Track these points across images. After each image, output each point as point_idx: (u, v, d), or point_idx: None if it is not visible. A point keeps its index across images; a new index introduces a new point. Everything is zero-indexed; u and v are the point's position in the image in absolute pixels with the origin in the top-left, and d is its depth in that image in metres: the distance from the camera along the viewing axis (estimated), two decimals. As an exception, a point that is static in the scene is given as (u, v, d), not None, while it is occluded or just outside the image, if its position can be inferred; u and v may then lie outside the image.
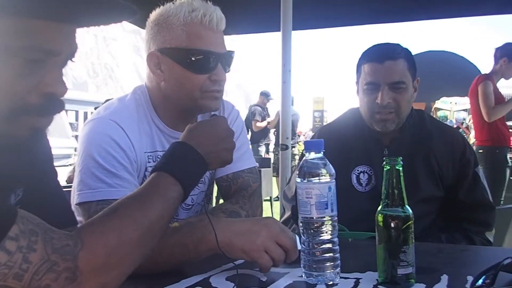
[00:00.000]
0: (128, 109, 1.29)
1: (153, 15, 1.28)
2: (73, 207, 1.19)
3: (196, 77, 1.23)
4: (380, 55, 1.57)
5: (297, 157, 7.82)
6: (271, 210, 6.50)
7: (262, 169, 6.01)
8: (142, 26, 1.35)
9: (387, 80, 1.55)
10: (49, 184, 0.95)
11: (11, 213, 0.65)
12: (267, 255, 0.98)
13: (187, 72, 1.23)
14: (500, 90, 3.93)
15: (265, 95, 8.48)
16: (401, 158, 0.94)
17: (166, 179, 0.88)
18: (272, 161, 7.23)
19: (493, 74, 3.85)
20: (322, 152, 0.98)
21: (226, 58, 1.27)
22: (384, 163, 0.94)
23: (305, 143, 0.99)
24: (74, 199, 1.19)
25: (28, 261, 0.63)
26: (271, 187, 6.64)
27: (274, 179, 7.13)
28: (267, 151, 8.97)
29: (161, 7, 1.27)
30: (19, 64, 0.68)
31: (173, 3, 1.26)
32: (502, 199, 3.81)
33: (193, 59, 1.22)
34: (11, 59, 0.67)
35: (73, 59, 0.75)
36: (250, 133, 8.52)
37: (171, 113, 1.32)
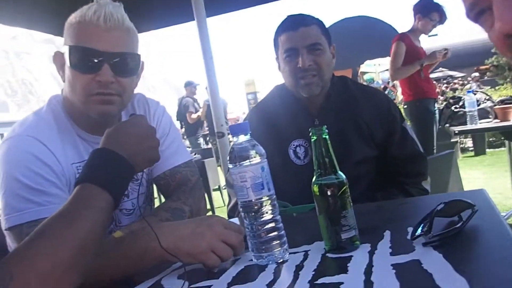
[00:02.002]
0: (46, 122, 1.23)
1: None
2: (5, 233, 1.13)
3: (81, 77, 1.16)
4: (294, 23, 1.63)
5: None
6: (222, 198, 6.49)
7: (205, 160, 5.98)
8: (56, 32, 1.30)
9: (304, 43, 1.60)
10: None
11: None
12: (214, 255, 0.97)
13: (73, 71, 1.17)
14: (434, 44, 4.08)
15: (190, 85, 8.39)
16: (325, 126, 0.95)
17: (91, 190, 0.84)
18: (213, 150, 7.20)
19: (412, 32, 3.98)
20: (249, 134, 0.97)
21: (119, 60, 1.17)
22: (310, 134, 0.95)
23: (231, 127, 0.98)
24: (2, 225, 1.12)
25: None
26: (218, 176, 6.62)
27: (220, 168, 7.12)
28: (206, 142, 8.92)
29: None
30: None
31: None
32: (435, 147, 4.01)
33: (77, 56, 1.15)
34: None
35: None
36: (184, 126, 8.43)
37: (87, 119, 1.25)
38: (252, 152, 0.95)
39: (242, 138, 0.97)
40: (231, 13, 3.63)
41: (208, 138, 8.46)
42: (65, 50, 1.18)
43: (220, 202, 6.39)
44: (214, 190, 6.32)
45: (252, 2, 3.36)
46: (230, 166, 0.97)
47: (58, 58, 1.21)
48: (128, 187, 0.95)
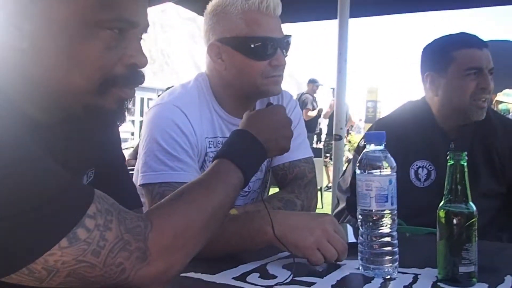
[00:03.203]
0: (191, 96, 1.33)
1: (210, 6, 1.30)
2: (137, 188, 1.25)
3: (257, 63, 1.25)
4: (478, 42, 1.56)
5: (346, 148, 7.72)
6: (321, 200, 6.47)
7: (314, 159, 5.97)
8: (199, 12, 1.39)
9: (488, 65, 1.54)
10: (118, 167, 1.00)
11: (89, 192, 0.68)
12: (319, 253, 0.99)
13: (247, 59, 1.25)
14: None
15: (313, 82, 8.40)
16: (466, 153, 0.91)
17: (228, 166, 0.90)
18: (323, 151, 7.18)
19: None
20: (383, 145, 0.97)
21: (284, 43, 1.28)
22: (448, 157, 0.92)
23: (366, 135, 0.98)
24: (138, 180, 1.24)
25: (104, 238, 0.67)
26: (322, 177, 6.60)
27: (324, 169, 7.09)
28: (318, 141, 8.91)
29: None
30: (106, 37, 0.71)
31: None
32: None
33: (252, 46, 1.24)
34: (100, 32, 0.71)
35: (145, 33, 0.78)
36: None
37: (231, 100, 1.35)
38: (384, 163, 0.94)
39: (375, 147, 0.97)
40: (369, 18, 3.58)
41: (325, 139, 8.42)
42: (230, 40, 1.26)
43: (318, 204, 6.37)
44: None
45: (397, 9, 3.27)
46: (358, 171, 0.97)
47: (215, 48, 1.30)
48: (258, 170, 1.00)
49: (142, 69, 0.78)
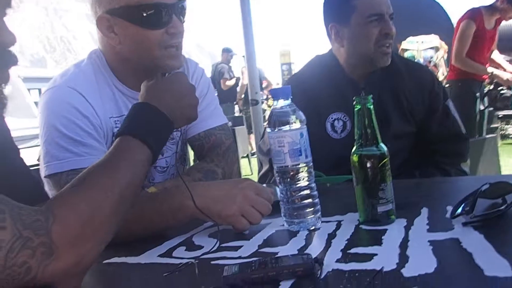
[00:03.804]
0: (86, 74, 1.23)
1: None
2: (43, 180, 1.16)
3: (152, 33, 1.16)
4: None
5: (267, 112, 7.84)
6: (250, 166, 6.54)
7: (236, 127, 6.01)
8: None
9: (388, 10, 1.55)
10: (11, 162, 0.91)
11: None
12: (243, 219, 0.98)
13: (142, 29, 1.15)
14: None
15: (227, 52, 8.36)
16: (371, 96, 0.92)
17: (131, 142, 0.84)
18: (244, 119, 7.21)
19: (490, 10, 3.65)
20: (290, 99, 0.95)
21: (179, 8, 1.19)
22: (355, 102, 0.92)
23: (271, 91, 0.96)
24: (42, 172, 1.15)
25: None
26: (247, 144, 6.65)
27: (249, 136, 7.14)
28: (240, 110, 8.93)
29: None
30: None
31: None
32: (483, 130, 3.88)
33: (145, 15, 1.14)
34: None
35: (9, 8, 0.70)
36: (217, 92, 8.44)
37: (131, 75, 1.26)
38: (292, 117, 0.93)
39: (283, 102, 0.95)
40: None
41: (241, 106, 8.47)
42: (121, 10, 1.15)
43: (247, 170, 6.43)
44: (243, 157, 6.36)
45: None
46: (269, 130, 0.95)
47: (104, 21, 1.19)
48: (166, 143, 0.95)
49: (11, 48, 0.69)
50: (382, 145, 0.92)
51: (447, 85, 4.00)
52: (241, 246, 0.90)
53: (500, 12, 3.62)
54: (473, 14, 3.65)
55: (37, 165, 1.29)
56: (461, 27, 3.70)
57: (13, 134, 0.94)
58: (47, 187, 1.17)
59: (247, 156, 6.59)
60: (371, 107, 0.92)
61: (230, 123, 6.45)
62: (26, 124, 7.32)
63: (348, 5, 1.58)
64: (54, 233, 0.66)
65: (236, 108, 8.72)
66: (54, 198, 0.74)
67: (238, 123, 6.66)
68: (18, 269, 0.63)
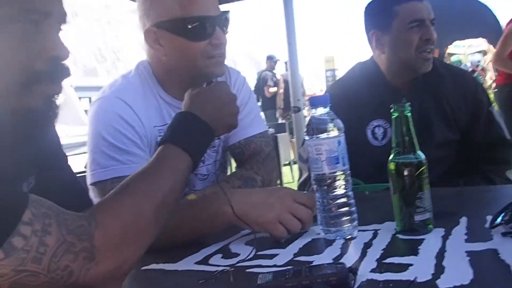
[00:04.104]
0: (133, 85, 1.29)
1: None
2: (89, 187, 1.21)
3: (196, 44, 1.21)
4: None
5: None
6: (291, 174, 6.52)
7: (278, 134, 6.01)
8: None
9: (429, 16, 1.55)
10: (60, 169, 0.96)
11: (23, 198, 0.65)
12: (281, 227, 0.99)
13: (186, 41, 1.20)
14: None
15: (270, 59, 8.43)
16: (409, 103, 0.92)
17: (173, 151, 0.87)
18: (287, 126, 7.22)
19: None
20: (328, 107, 0.96)
21: (222, 20, 1.23)
22: (392, 110, 0.92)
23: (310, 99, 0.97)
24: (88, 180, 1.20)
25: (44, 244, 0.64)
26: (289, 151, 6.63)
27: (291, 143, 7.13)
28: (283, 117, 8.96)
29: None
30: (19, 30, 0.67)
31: None
32: None
33: (190, 27, 1.19)
34: (12, 26, 0.67)
35: (64, 24, 0.75)
36: (261, 99, 8.49)
37: (176, 85, 1.31)
38: (330, 125, 0.94)
39: (321, 110, 0.96)
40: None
41: (282, 113, 8.49)
42: (166, 23, 1.20)
43: (289, 178, 6.42)
44: (285, 165, 6.35)
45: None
46: (307, 138, 0.96)
47: (151, 34, 1.24)
48: (206, 151, 0.98)
49: (65, 62, 0.74)
50: (420, 153, 0.92)
51: (495, 90, 3.86)
52: (277, 255, 0.91)
53: None
54: None
55: (84, 172, 1.35)
56: (507, 30, 3.61)
57: (63, 141, 1.00)
58: (92, 195, 1.22)
59: (289, 163, 6.57)
60: (409, 114, 0.91)
61: (272, 130, 6.47)
62: (76, 132, 7.63)
63: (389, 12, 1.57)
64: (97, 238, 0.69)
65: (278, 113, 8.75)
66: (97, 204, 0.78)
67: (280, 130, 6.67)
68: (61, 273, 0.66)
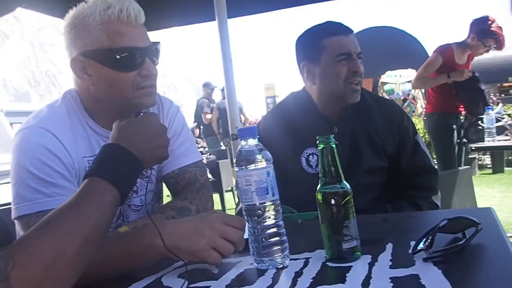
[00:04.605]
0: (59, 115, 1.25)
1: (67, 18, 1.22)
2: (15, 222, 1.15)
3: (125, 75, 1.19)
4: (343, 29, 1.64)
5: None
6: (234, 200, 6.50)
7: (220, 161, 6.00)
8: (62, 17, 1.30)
9: (356, 50, 1.62)
10: None
11: None
12: (215, 252, 0.98)
13: (114, 72, 1.19)
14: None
15: (207, 86, 8.51)
16: (333, 135, 0.95)
17: (99, 184, 0.85)
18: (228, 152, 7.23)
19: (461, 46, 3.78)
20: (256, 139, 0.98)
21: (152, 51, 1.23)
22: (318, 142, 0.95)
23: (239, 131, 0.98)
24: (12, 214, 1.14)
25: None
26: (232, 177, 6.63)
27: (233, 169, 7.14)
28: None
29: (74, 8, 1.21)
30: None
31: (86, 2, 1.21)
32: (461, 162, 3.95)
33: (118, 57, 1.17)
34: None
35: None
36: (202, 127, 8.49)
37: (105, 115, 1.28)
38: (259, 157, 0.95)
39: (250, 142, 0.97)
40: (253, 16, 3.65)
41: (222, 141, 8.52)
42: (94, 53, 1.18)
43: (232, 204, 6.40)
44: (227, 191, 6.34)
45: (274, 5, 3.35)
46: (236, 169, 0.97)
47: (78, 63, 1.21)
48: (136, 183, 0.96)
49: None
50: (345, 182, 0.95)
51: (424, 118, 4.08)
52: (209, 287, 0.90)
53: (471, 48, 3.76)
54: (443, 49, 3.81)
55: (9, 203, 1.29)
56: (428, 59, 3.88)
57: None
58: (17, 229, 1.16)
59: (232, 189, 6.56)
60: (334, 146, 0.95)
61: (214, 156, 6.46)
62: (4, 159, 7.26)
63: (318, 45, 1.64)
64: (14, 279, 0.66)
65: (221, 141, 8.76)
66: (15, 242, 0.74)
67: (222, 156, 6.67)
68: None
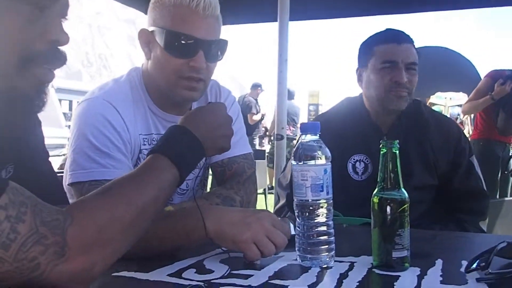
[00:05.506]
0: (123, 90, 1.28)
1: None
2: (65, 188, 1.18)
3: (173, 60, 1.21)
4: (397, 37, 1.61)
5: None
6: (265, 201, 6.50)
7: (256, 160, 6.00)
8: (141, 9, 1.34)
9: (406, 59, 1.58)
10: (40, 163, 0.94)
11: (2, 183, 0.64)
12: (255, 248, 0.97)
13: (165, 54, 1.21)
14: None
15: (257, 87, 8.51)
16: (397, 141, 0.94)
17: (162, 161, 0.86)
18: (266, 152, 7.24)
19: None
20: (318, 135, 0.97)
21: (211, 46, 1.22)
22: (381, 146, 0.93)
23: (301, 125, 0.98)
24: (66, 179, 1.18)
25: (16, 231, 0.62)
26: (265, 179, 6.63)
27: (267, 170, 7.14)
28: (260, 143, 8.98)
29: None
30: (26, 11, 0.69)
31: None
32: (508, 193, 3.83)
33: (172, 41, 1.19)
34: (20, 6, 0.68)
35: (66, 17, 0.77)
36: (243, 125, 8.53)
37: (161, 96, 1.31)
38: (319, 153, 0.95)
39: (311, 137, 0.97)
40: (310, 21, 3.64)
41: (267, 140, 8.53)
42: (156, 30, 1.22)
43: (262, 205, 6.39)
44: (260, 194, 6.34)
45: (337, 13, 3.33)
46: (294, 162, 0.97)
47: (144, 35, 1.26)
48: (195, 168, 0.97)
49: (62, 48, 0.74)
50: (404, 190, 0.93)
51: (470, 144, 3.95)
52: (252, 275, 0.90)
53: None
54: (495, 74, 3.72)
55: (58, 172, 1.32)
56: (479, 84, 3.80)
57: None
58: (68, 195, 1.20)
59: (264, 191, 6.56)
60: (397, 152, 0.93)
61: (252, 151, 6.44)
62: (52, 133, 7.52)
63: (369, 51, 1.64)
64: (70, 234, 0.68)
65: (257, 141, 8.77)
66: (76, 201, 0.76)
67: (259, 156, 6.68)
68: (27, 264, 0.64)
